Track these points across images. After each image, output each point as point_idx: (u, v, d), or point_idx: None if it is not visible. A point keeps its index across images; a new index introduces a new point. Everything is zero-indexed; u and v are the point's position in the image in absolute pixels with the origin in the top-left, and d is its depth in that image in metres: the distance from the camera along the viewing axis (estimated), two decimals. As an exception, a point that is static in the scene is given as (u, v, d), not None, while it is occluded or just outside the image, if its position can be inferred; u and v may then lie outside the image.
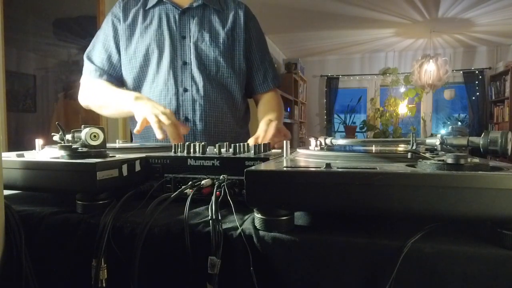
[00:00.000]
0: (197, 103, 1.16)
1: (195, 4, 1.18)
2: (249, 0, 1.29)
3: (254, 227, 0.46)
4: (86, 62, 1.23)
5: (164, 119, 0.92)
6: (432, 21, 4.88)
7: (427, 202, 0.39)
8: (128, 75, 1.21)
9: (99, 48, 1.22)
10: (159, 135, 0.91)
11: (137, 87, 1.21)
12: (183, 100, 1.16)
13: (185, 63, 1.16)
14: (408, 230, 0.42)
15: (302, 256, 0.43)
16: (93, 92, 1.21)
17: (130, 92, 1.13)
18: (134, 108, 1.00)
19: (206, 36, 1.17)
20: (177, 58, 1.16)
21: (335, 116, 6.99)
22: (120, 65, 1.22)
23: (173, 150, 0.68)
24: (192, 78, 1.16)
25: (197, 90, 1.16)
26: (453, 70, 5.82)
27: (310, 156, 0.61)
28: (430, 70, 4.97)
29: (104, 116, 1.38)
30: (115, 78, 1.23)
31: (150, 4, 1.20)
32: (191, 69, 1.16)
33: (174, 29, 1.17)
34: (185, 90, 1.16)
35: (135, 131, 0.97)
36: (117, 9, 1.23)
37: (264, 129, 0.99)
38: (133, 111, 1.01)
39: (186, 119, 1.17)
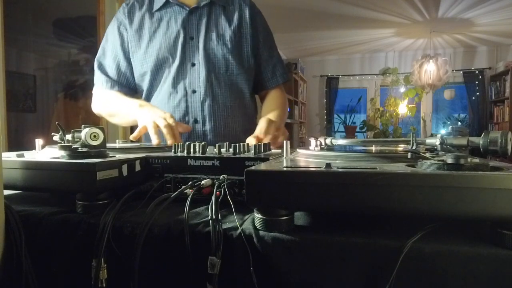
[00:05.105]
0: (206, 103, 1.16)
1: (202, 3, 1.18)
2: (249, 0, 1.29)
3: (254, 227, 0.46)
4: (97, 72, 1.22)
5: (160, 122, 0.92)
6: (432, 21, 4.88)
7: (427, 202, 0.39)
8: (141, 80, 1.21)
9: (109, 57, 1.22)
10: (154, 140, 0.91)
11: (150, 91, 1.21)
12: (191, 102, 1.16)
13: (193, 65, 1.16)
14: (408, 230, 0.42)
15: (302, 256, 0.43)
16: (104, 102, 1.22)
17: (135, 100, 1.14)
18: (137, 116, 1.02)
19: (214, 35, 1.17)
20: (186, 60, 1.16)
21: (335, 116, 6.99)
22: (130, 73, 1.22)
23: (173, 150, 0.68)
24: (200, 79, 1.16)
25: (205, 90, 1.16)
26: (453, 70, 5.82)
27: (310, 156, 0.61)
28: (430, 70, 4.98)
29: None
30: (127, 87, 1.23)
31: (156, 7, 1.18)
32: (199, 70, 1.16)
33: (182, 30, 1.16)
34: (194, 91, 1.16)
35: (131, 137, 0.97)
36: (121, 15, 1.21)
37: (264, 128, 0.97)
38: (137, 119, 1.02)
39: (196, 120, 1.16)
